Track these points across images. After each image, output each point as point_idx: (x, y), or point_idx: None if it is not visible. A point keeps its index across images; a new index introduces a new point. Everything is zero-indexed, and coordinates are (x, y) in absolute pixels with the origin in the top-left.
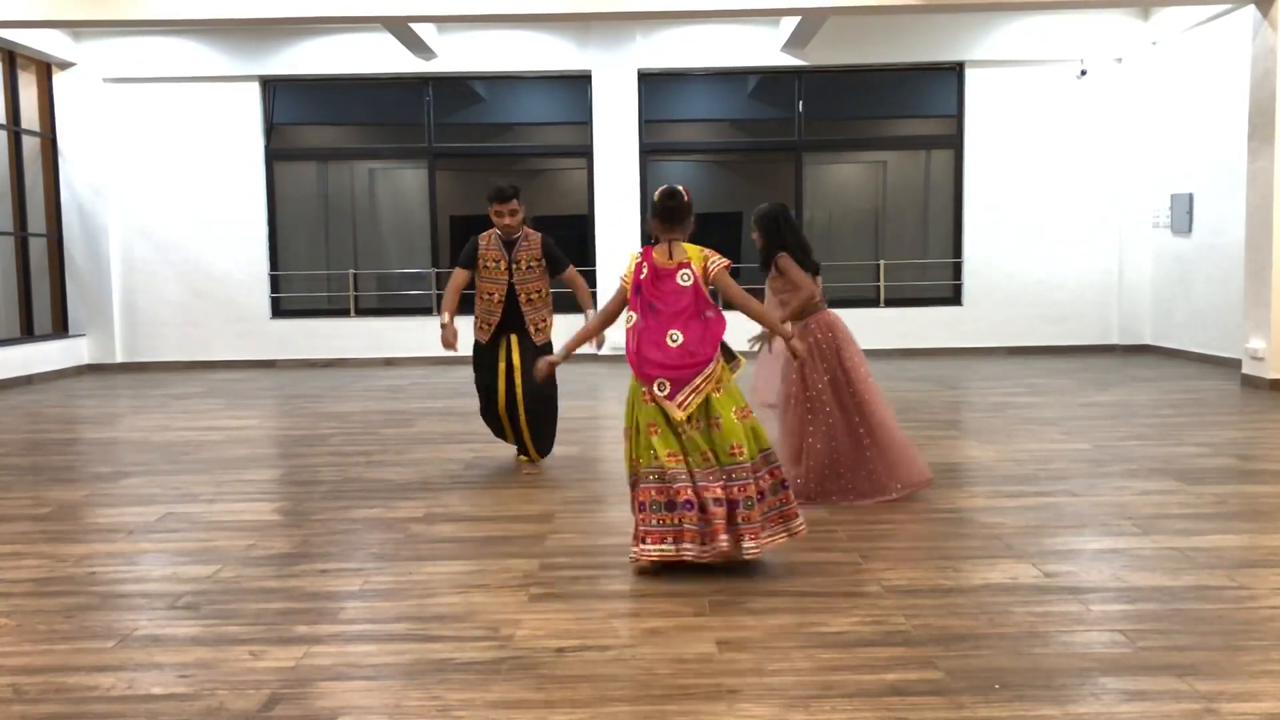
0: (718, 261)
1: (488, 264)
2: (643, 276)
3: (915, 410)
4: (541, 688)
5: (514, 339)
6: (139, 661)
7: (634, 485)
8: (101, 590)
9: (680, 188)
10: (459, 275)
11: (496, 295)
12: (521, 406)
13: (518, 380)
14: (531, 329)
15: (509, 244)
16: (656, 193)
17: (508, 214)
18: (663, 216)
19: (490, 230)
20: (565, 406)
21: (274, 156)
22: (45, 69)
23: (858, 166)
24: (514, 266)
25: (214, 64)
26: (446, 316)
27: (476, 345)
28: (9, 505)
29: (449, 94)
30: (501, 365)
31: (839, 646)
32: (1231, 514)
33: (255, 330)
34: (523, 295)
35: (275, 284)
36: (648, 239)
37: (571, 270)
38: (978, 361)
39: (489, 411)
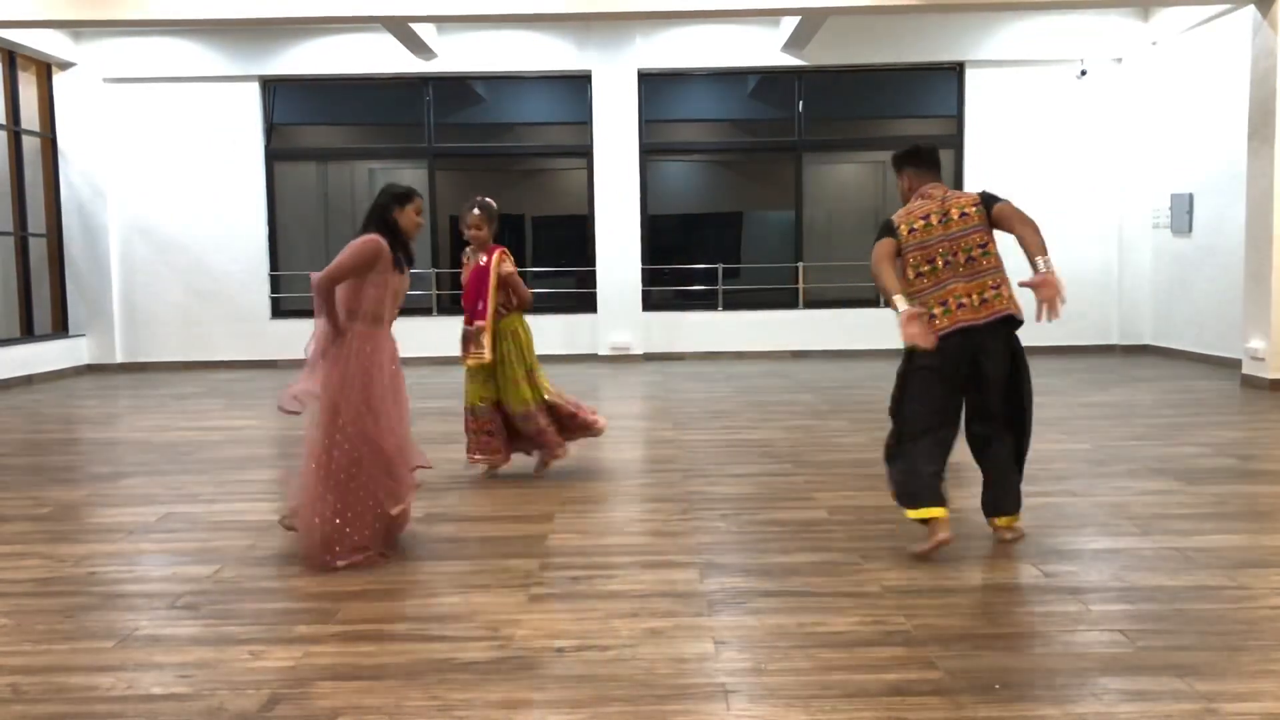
0: None
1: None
2: None
3: None
4: (541, 688)
5: None
6: (139, 661)
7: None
8: (101, 590)
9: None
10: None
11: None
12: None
13: None
14: None
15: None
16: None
17: None
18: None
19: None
20: None
21: (274, 156)
22: (45, 69)
23: (858, 166)
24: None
25: (214, 64)
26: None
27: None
28: (9, 505)
29: (449, 94)
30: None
31: (839, 646)
32: (1231, 514)
33: (255, 330)
34: None
35: (275, 284)
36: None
37: None
38: None
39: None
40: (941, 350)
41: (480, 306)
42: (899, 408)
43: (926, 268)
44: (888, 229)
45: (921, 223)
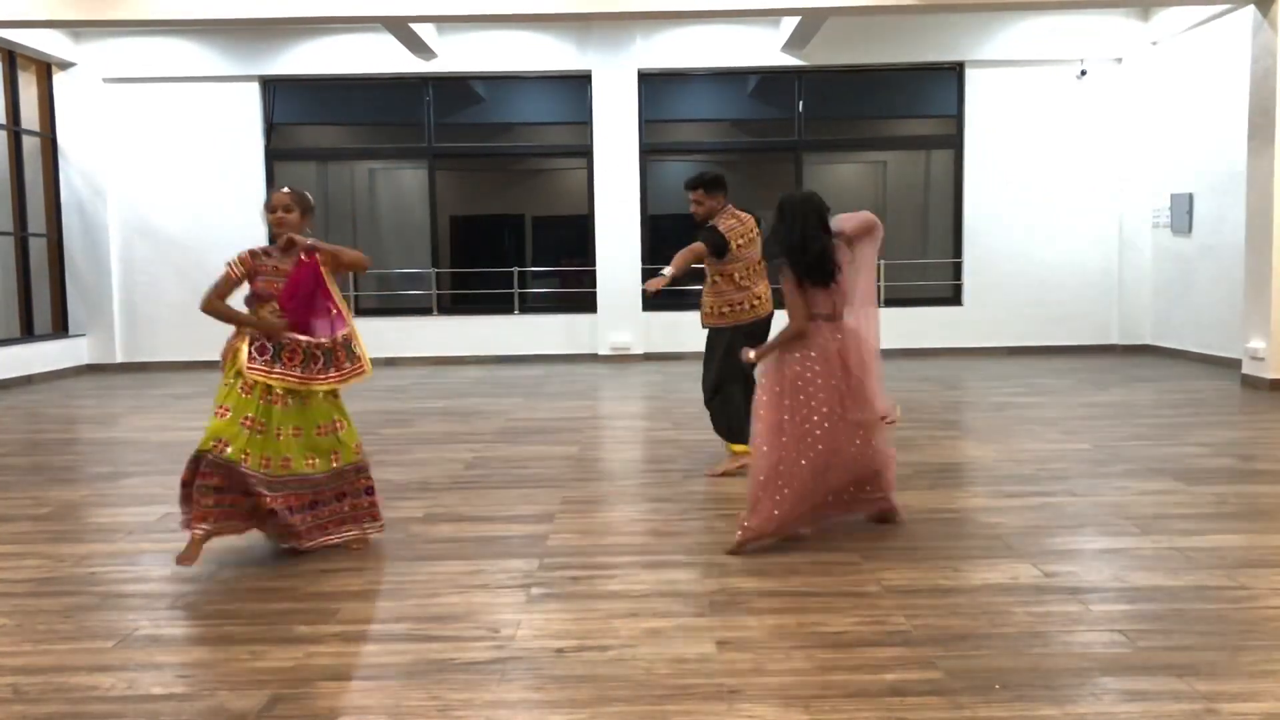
0: None
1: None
2: None
3: (916, 410)
4: (541, 688)
5: None
6: (139, 661)
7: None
8: (101, 590)
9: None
10: None
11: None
12: None
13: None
14: None
15: None
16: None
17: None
18: None
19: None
20: (564, 406)
21: (274, 156)
22: (45, 69)
23: (858, 166)
24: None
25: (214, 64)
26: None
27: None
28: (9, 505)
29: (449, 94)
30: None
31: (839, 646)
32: (1231, 514)
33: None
34: None
35: None
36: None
37: None
38: (978, 361)
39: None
40: (752, 331)
41: (335, 311)
42: (725, 366)
43: (748, 272)
44: (726, 242)
45: (743, 240)
